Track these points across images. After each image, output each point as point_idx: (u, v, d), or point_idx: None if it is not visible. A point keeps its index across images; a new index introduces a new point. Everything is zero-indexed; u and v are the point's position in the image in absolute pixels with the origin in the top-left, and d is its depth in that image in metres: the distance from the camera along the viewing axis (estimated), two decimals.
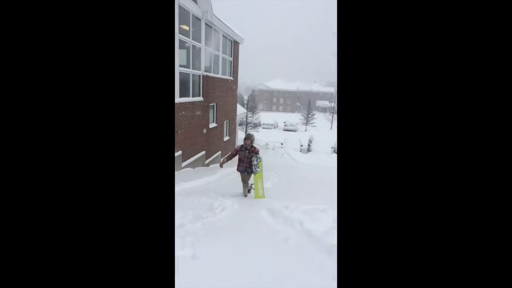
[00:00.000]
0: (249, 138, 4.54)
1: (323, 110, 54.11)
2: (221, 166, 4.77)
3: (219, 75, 9.61)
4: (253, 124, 24.19)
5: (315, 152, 14.69)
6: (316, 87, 62.99)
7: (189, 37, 7.13)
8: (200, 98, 8.08)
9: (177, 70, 6.56)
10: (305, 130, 31.39)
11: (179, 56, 6.63)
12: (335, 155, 13.45)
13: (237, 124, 13.46)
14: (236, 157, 4.61)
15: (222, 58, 9.84)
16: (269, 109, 59.71)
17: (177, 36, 6.40)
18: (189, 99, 7.38)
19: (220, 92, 9.69)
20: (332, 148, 15.29)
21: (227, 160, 4.61)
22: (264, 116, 34.96)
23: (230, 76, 11.01)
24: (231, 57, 10.83)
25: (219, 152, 10.14)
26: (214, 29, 8.75)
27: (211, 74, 8.66)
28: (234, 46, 10.95)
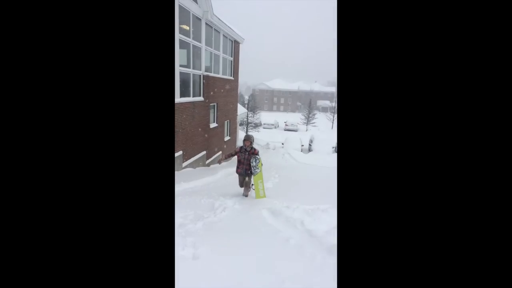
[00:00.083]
0: (248, 139, 4.39)
1: (324, 109, 54.09)
2: (219, 162, 4.76)
3: (220, 75, 9.60)
4: (254, 124, 24.18)
5: (316, 152, 14.67)
6: (317, 87, 62.95)
7: (189, 37, 7.13)
8: (201, 98, 8.07)
9: (178, 70, 6.55)
10: (306, 130, 31.38)
11: (180, 56, 6.63)
12: (336, 155, 13.41)
13: (238, 124, 13.46)
14: (235, 158, 4.60)
15: (223, 57, 9.83)
16: (270, 109, 59.72)
17: (178, 36, 6.39)
18: (190, 99, 7.38)
19: (221, 92, 9.69)
20: (333, 148, 15.27)
21: (225, 158, 4.57)
22: (265, 116, 34.97)
23: (231, 76, 11.00)
24: (231, 56, 10.83)
25: (220, 152, 10.14)
26: (214, 29, 8.75)
27: (212, 74, 8.65)
28: (234, 45, 10.94)
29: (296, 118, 37.21)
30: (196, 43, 7.57)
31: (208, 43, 8.36)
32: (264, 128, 29.65)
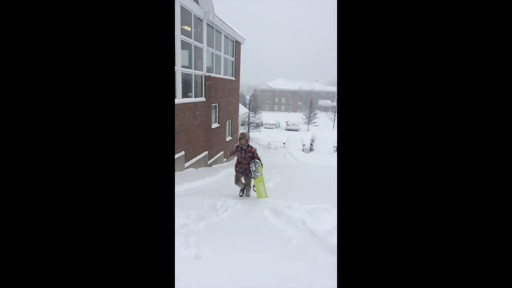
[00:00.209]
0: (243, 137, 4.30)
1: (325, 109, 54.01)
2: (229, 155, 4.74)
3: (221, 75, 9.63)
4: (255, 124, 24.19)
5: (318, 151, 14.67)
6: (318, 86, 62.88)
7: (191, 38, 7.15)
8: (203, 99, 8.10)
9: (180, 70, 6.58)
10: (307, 130, 31.36)
11: (181, 57, 6.66)
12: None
13: (240, 124, 13.47)
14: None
15: (224, 58, 9.86)
16: (271, 108, 59.69)
17: (179, 37, 6.42)
18: (192, 99, 7.41)
19: (222, 92, 9.71)
20: (334, 147, 15.27)
21: (230, 155, 4.61)
22: (266, 116, 34.98)
23: (232, 76, 11.02)
24: (233, 57, 10.85)
25: (222, 153, 10.16)
26: (215, 29, 8.77)
27: (213, 75, 8.68)
28: (235, 46, 10.96)
29: (297, 117, 37.19)
30: (198, 44, 7.60)
31: (209, 44, 8.38)
32: (265, 128, 29.66)
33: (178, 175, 6.48)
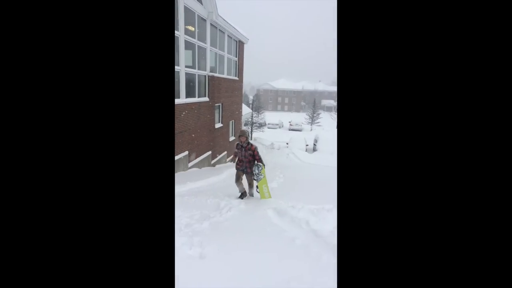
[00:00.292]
0: (243, 135, 4.24)
1: (329, 109, 53.84)
2: (234, 160, 4.56)
3: (225, 75, 9.65)
4: (259, 124, 24.19)
5: (321, 151, 14.64)
6: (321, 86, 62.73)
7: (194, 38, 7.18)
8: (206, 99, 8.12)
9: (183, 70, 6.61)
10: (311, 130, 31.30)
11: (185, 57, 6.68)
12: None
13: (243, 124, 13.48)
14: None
15: (227, 58, 9.87)
16: (274, 108, 59.66)
17: (183, 37, 6.44)
18: (195, 99, 7.43)
19: (226, 92, 9.73)
20: None
21: (234, 159, 4.54)
22: (269, 116, 34.97)
23: (235, 76, 11.04)
24: (236, 57, 10.87)
25: (225, 152, 10.18)
26: (219, 29, 8.79)
27: (217, 75, 8.70)
28: (239, 46, 10.98)
29: (300, 117, 37.14)
30: (201, 44, 7.62)
31: (213, 44, 8.40)
32: (268, 128, 29.66)
33: (182, 174, 6.51)
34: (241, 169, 4.34)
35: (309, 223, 2.91)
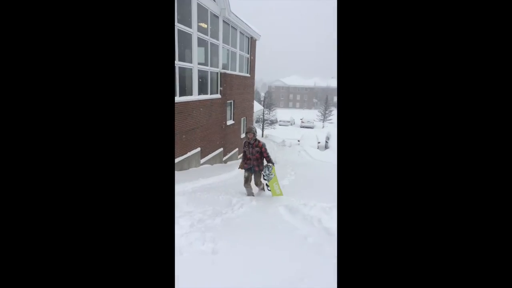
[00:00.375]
0: (250, 131, 4.06)
1: None
2: (241, 168, 4.39)
3: (237, 72, 9.66)
4: (270, 121, 24.14)
5: (333, 149, 14.47)
6: (333, 83, 61.69)
7: (207, 35, 7.21)
8: (218, 95, 8.17)
9: (196, 67, 6.66)
10: (323, 127, 30.98)
11: (198, 54, 6.72)
12: None
13: (254, 121, 13.49)
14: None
15: (239, 55, 9.87)
16: (285, 105, 59.34)
17: (196, 34, 6.48)
18: (207, 96, 7.48)
19: (237, 89, 9.75)
20: None
21: (244, 162, 4.30)
22: (280, 113, 34.83)
23: (247, 73, 11.03)
24: (248, 53, 10.85)
25: (236, 149, 10.23)
26: (231, 26, 8.79)
27: (229, 71, 8.72)
28: (251, 42, 10.95)
29: (312, 115, 36.82)
30: (214, 41, 7.65)
31: (225, 41, 8.41)
32: (280, 125, 29.55)
33: (194, 171, 6.59)
34: (248, 168, 4.20)
35: (321, 221, 2.88)
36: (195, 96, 6.73)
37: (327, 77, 63.89)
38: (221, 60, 8.20)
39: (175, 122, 5.88)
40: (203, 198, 4.05)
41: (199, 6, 6.57)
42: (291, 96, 61.07)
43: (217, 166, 7.95)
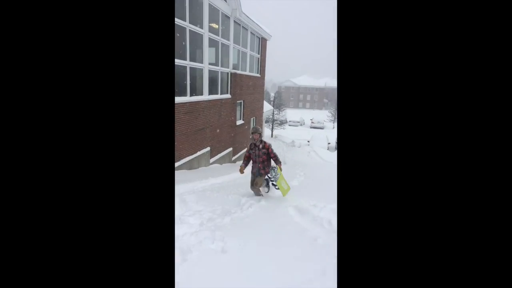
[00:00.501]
0: (256, 131, 3.86)
1: None
2: (241, 172, 4.11)
3: (247, 72, 9.68)
4: (280, 121, 24.07)
5: None
6: None
7: (218, 35, 7.25)
8: (228, 95, 8.20)
9: (207, 68, 6.71)
10: (333, 128, 30.67)
11: (209, 54, 6.77)
12: None
13: (264, 121, 13.48)
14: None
15: (250, 55, 9.88)
16: (295, 106, 59.06)
17: (207, 35, 6.53)
18: (218, 96, 7.53)
19: (247, 89, 9.77)
20: None
21: (245, 166, 4.10)
22: (290, 113, 34.70)
23: (257, 73, 11.04)
24: (258, 54, 10.86)
25: (246, 149, 10.24)
26: (242, 26, 8.81)
27: (239, 72, 8.74)
28: (261, 42, 10.95)
29: (322, 115, 36.51)
30: (225, 41, 7.68)
31: (236, 41, 8.44)
32: (289, 125, 29.43)
33: (203, 170, 6.64)
34: (253, 171, 4.05)
35: (331, 223, 2.85)
36: (205, 96, 6.78)
37: None
38: (231, 60, 8.24)
39: (186, 122, 5.95)
40: (212, 197, 4.07)
41: (211, 6, 6.61)
42: (301, 96, 60.71)
43: (226, 165, 7.98)
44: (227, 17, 7.70)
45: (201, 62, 6.49)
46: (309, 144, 15.59)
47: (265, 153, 3.94)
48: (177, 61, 5.45)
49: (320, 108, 56.61)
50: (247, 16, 8.49)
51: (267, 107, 14.87)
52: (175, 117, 5.49)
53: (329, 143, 16.63)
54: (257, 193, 4.28)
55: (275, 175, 4.03)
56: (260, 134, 3.93)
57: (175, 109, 5.44)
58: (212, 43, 7.01)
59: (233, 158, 9.05)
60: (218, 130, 7.65)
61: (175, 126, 5.52)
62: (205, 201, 3.81)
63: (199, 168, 6.75)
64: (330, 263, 2.14)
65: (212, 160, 7.47)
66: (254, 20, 9.20)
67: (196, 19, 6.07)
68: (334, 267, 2.08)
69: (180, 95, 5.71)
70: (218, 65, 7.48)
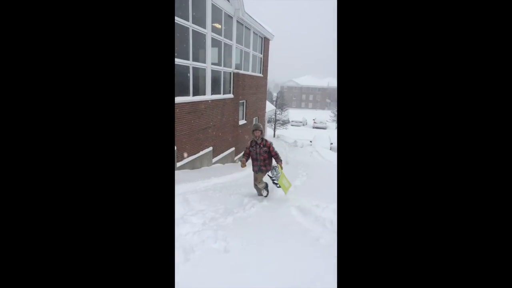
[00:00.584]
0: (257, 128, 3.77)
1: None
2: (243, 165, 3.97)
3: (249, 72, 9.68)
4: (282, 121, 24.04)
5: None
6: None
7: (221, 35, 7.26)
8: (231, 95, 8.21)
9: (209, 68, 6.72)
10: (335, 128, 30.58)
11: (212, 54, 6.79)
12: None
13: (266, 121, 13.48)
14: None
15: (253, 55, 9.89)
16: (298, 106, 58.96)
17: (210, 34, 6.54)
18: (220, 96, 7.54)
19: (250, 89, 9.77)
20: None
21: (246, 160, 4.00)
22: (293, 113, 34.64)
23: (260, 73, 11.04)
24: (261, 53, 10.85)
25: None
26: (245, 26, 8.81)
27: (242, 71, 8.75)
28: (264, 42, 10.95)
29: (325, 115, 36.42)
30: (227, 41, 7.69)
31: (238, 41, 8.45)
32: (292, 125, 29.38)
33: (206, 169, 6.66)
34: (254, 169, 4.00)
35: (333, 223, 2.85)
36: (208, 96, 6.79)
37: None
38: (234, 60, 8.24)
39: (188, 121, 5.96)
40: (215, 196, 4.08)
41: (214, 6, 6.62)
42: (303, 96, 60.60)
43: (228, 165, 7.99)
44: (230, 17, 7.71)
45: (204, 62, 6.50)
46: (312, 144, 15.57)
47: (266, 151, 3.87)
48: (180, 61, 5.47)
49: (323, 108, 56.49)
50: (250, 16, 8.49)
51: (269, 107, 14.86)
52: (178, 117, 5.50)
53: (331, 143, 16.59)
54: (259, 193, 4.24)
55: (276, 174, 4.00)
56: (262, 131, 3.83)
57: (178, 109, 5.46)
58: (215, 43, 7.02)
59: (235, 158, 9.06)
60: (220, 130, 7.67)
61: (178, 126, 5.54)
62: (207, 200, 3.82)
63: (202, 168, 6.77)
64: (333, 263, 2.14)
65: (214, 159, 7.48)
66: (257, 20, 9.20)
67: (199, 19, 6.09)
68: (336, 267, 2.08)
69: (183, 95, 5.72)
70: (220, 65, 7.49)
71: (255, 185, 4.15)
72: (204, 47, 6.46)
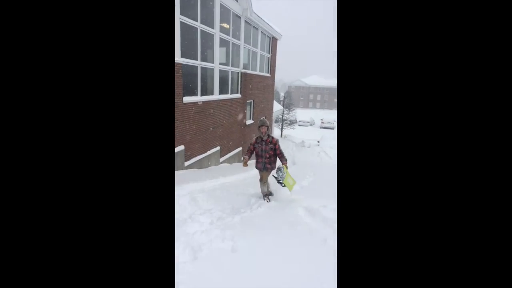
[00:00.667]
0: (264, 124, 3.66)
1: None
2: (245, 165, 3.76)
3: (257, 72, 9.68)
4: (289, 121, 23.96)
5: None
6: None
7: (229, 35, 7.28)
8: (238, 95, 8.23)
9: (217, 67, 6.75)
10: None
11: (220, 54, 6.81)
12: None
13: (273, 121, 13.46)
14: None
15: (260, 55, 9.88)
16: (305, 106, 58.68)
17: (218, 35, 6.57)
18: (228, 96, 7.56)
19: (257, 89, 9.77)
20: None
21: (248, 158, 3.80)
22: (300, 113, 34.49)
23: (268, 72, 11.02)
24: (269, 53, 10.84)
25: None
26: (253, 26, 8.82)
27: (249, 71, 8.76)
28: (272, 42, 10.93)
29: (333, 115, 36.13)
30: (235, 41, 7.71)
31: (246, 41, 8.46)
32: (299, 125, 29.27)
33: (213, 169, 6.69)
34: (258, 166, 3.86)
35: None
36: (216, 96, 6.83)
37: None
38: (242, 60, 8.25)
39: (197, 121, 6.00)
40: (222, 196, 4.10)
41: (222, 6, 6.65)
42: (311, 96, 60.28)
43: (235, 165, 8.01)
44: (238, 17, 7.72)
45: (212, 62, 6.54)
46: (319, 145, 15.46)
47: (272, 148, 3.75)
48: (189, 61, 5.51)
49: (331, 108, 56.08)
50: (258, 16, 8.48)
51: (277, 106, 14.84)
52: (186, 116, 5.54)
53: None
54: (265, 193, 4.03)
55: (281, 175, 3.91)
56: (268, 128, 3.72)
57: (187, 109, 5.50)
58: (223, 43, 7.04)
59: (242, 157, 9.07)
60: (227, 130, 7.69)
61: (186, 125, 5.58)
62: (215, 200, 3.84)
63: (209, 167, 6.81)
64: None
65: (222, 159, 7.51)
66: (265, 20, 9.19)
67: (208, 19, 6.12)
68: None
69: (191, 95, 5.76)
70: (228, 65, 7.51)
71: (261, 182, 4.02)
72: (212, 47, 6.49)
